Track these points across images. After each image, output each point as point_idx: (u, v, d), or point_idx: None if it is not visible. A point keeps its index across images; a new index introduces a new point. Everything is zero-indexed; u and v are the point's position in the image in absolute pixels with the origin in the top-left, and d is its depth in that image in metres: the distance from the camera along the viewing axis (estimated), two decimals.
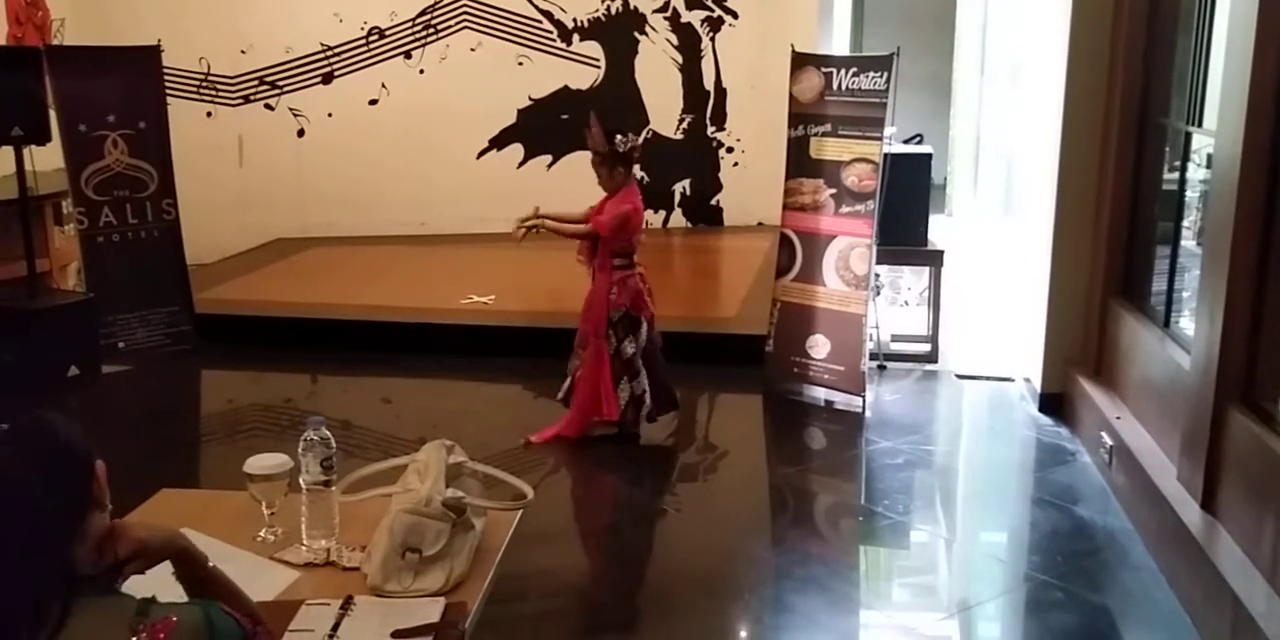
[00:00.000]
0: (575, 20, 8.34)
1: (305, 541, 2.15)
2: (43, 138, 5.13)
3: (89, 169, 5.57)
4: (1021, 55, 6.64)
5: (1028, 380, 5.32)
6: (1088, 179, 4.82)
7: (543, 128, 8.34)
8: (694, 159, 8.64)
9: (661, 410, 4.76)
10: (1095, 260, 4.83)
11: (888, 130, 5.09)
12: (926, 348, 5.81)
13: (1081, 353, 4.91)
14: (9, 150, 5.14)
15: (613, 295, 4.52)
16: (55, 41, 6.67)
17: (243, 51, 7.82)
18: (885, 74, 4.92)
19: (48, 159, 5.43)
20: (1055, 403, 4.99)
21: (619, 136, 4.44)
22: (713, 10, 8.46)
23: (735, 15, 8.47)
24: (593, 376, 4.60)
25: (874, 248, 5.02)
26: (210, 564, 1.61)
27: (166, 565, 1.58)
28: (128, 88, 5.69)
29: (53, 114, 5.30)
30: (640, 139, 4.56)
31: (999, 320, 6.25)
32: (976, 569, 3.87)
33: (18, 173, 5.08)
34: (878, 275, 5.37)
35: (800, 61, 5.21)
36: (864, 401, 5.06)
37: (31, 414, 1.41)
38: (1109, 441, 4.22)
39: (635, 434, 4.68)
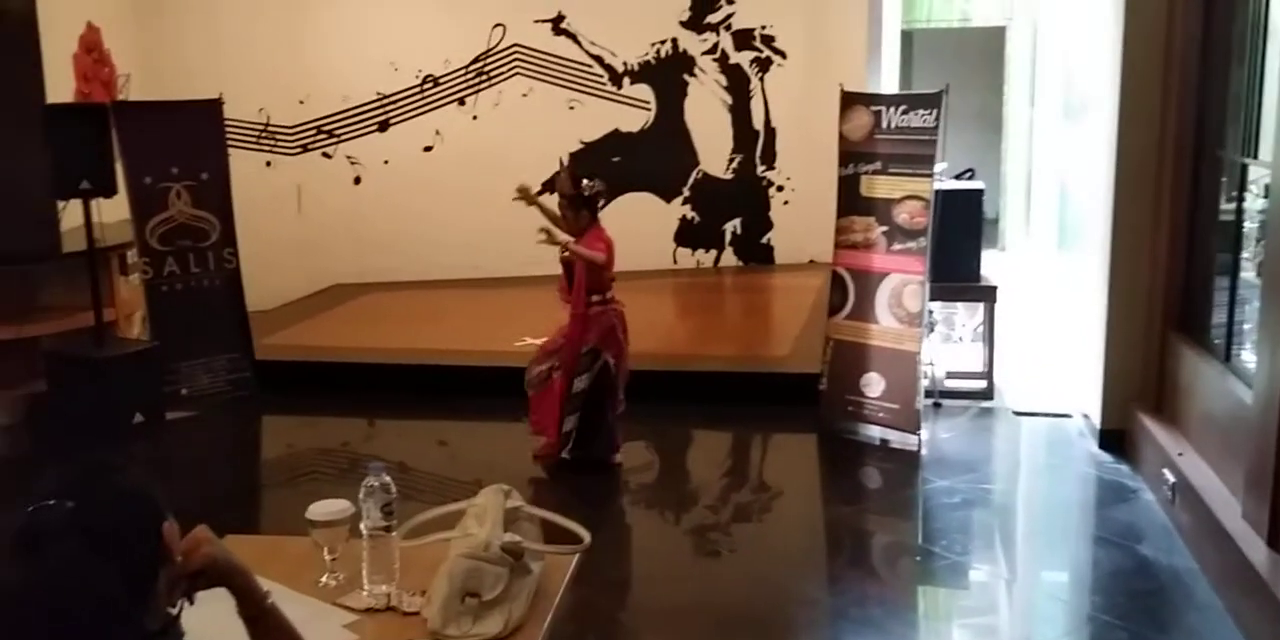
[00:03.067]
0: (625, 64, 8.45)
1: (366, 586, 2.18)
2: (109, 190, 5.28)
3: (153, 220, 5.72)
4: (1073, 87, 6.63)
5: (1086, 416, 5.25)
6: (1143, 211, 4.78)
7: (594, 171, 8.40)
8: (744, 198, 8.67)
9: (585, 451, 4.72)
10: (1153, 294, 4.78)
11: (938, 166, 5.10)
12: (982, 384, 5.76)
13: (1141, 388, 4.84)
14: (77, 203, 5.30)
15: (584, 331, 4.65)
16: (121, 97, 6.87)
17: (301, 101, 8.01)
18: (935, 111, 4.93)
19: (114, 211, 5.57)
20: (1115, 439, 4.92)
21: (585, 181, 4.69)
22: (761, 51, 8.54)
23: (784, 55, 8.54)
24: (544, 401, 4.76)
25: (927, 284, 5.01)
26: (270, 600, 1.64)
27: (231, 606, 1.62)
28: (191, 140, 5.85)
29: (119, 167, 5.45)
30: (602, 186, 4.79)
31: (1055, 356, 6.18)
32: (1038, 609, 3.81)
33: (85, 225, 5.21)
34: (931, 312, 5.35)
35: (849, 100, 5.24)
36: (920, 440, 5.02)
37: (98, 484, 1.42)
38: (1171, 478, 4.15)
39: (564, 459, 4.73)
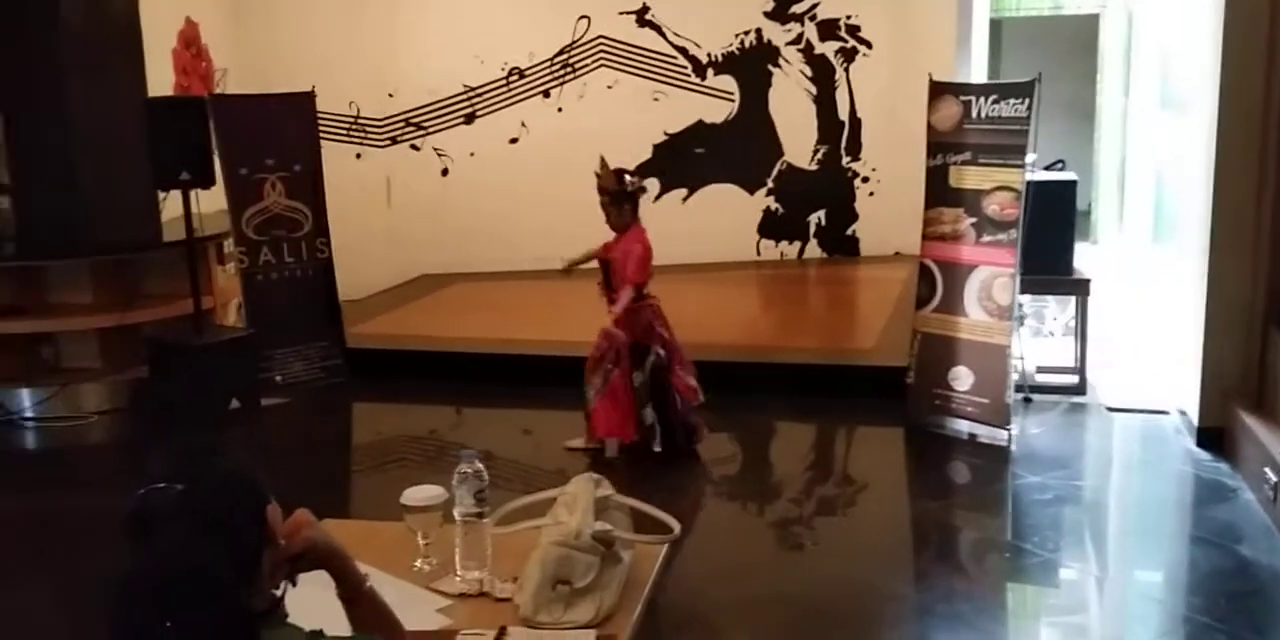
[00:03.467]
0: (710, 55, 8.43)
1: (459, 572, 2.22)
2: (207, 182, 5.41)
3: (249, 210, 5.85)
4: (1171, 76, 6.45)
5: (1183, 413, 5.12)
6: (1244, 201, 4.64)
7: (678, 162, 8.44)
8: (829, 189, 8.60)
9: (669, 445, 4.74)
10: (1254, 287, 4.64)
11: (1029, 157, 5.00)
12: (1074, 379, 5.65)
13: (1241, 384, 4.71)
14: (177, 194, 5.45)
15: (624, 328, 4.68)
16: (218, 90, 7.04)
17: (390, 95, 8.13)
18: (1026, 100, 4.83)
19: (211, 202, 5.72)
20: (1214, 436, 4.79)
21: (627, 177, 4.68)
22: (847, 41, 8.45)
23: (870, 45, 8.44)
24: (613, 401, 4.74)
25: (1017, 277, 4.92)
26: (369, 584, 1.68)
27: (331, 588, 1.66)
28: (285, 132, 5.97)
29: (216, 159, 5.59)
30: (642, 182, 4.80)
31: (1151, 351, 6.04)
32: (1131, 609, 3.74)
33: (185, 215, 5.35)
34: (1021, 305, 5.26)
35: (938, 90, 5.16)
36: (1009, 435, 4.94)
37: (204, 469, 1.47)
38: (1273, 477, 4.03)
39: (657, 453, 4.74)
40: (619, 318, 4.65)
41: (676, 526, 2.31)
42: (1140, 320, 6.57)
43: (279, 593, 1.53)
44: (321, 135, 6.37)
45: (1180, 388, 5.16)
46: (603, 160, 4.76)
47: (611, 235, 4.82)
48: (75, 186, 5.53)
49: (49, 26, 5.48)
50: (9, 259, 5.62)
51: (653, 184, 8.50)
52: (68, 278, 5.84)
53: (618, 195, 4.70)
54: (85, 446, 5.39)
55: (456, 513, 2.22)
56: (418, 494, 2.29)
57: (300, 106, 6.01)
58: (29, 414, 5.52)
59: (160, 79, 6.34)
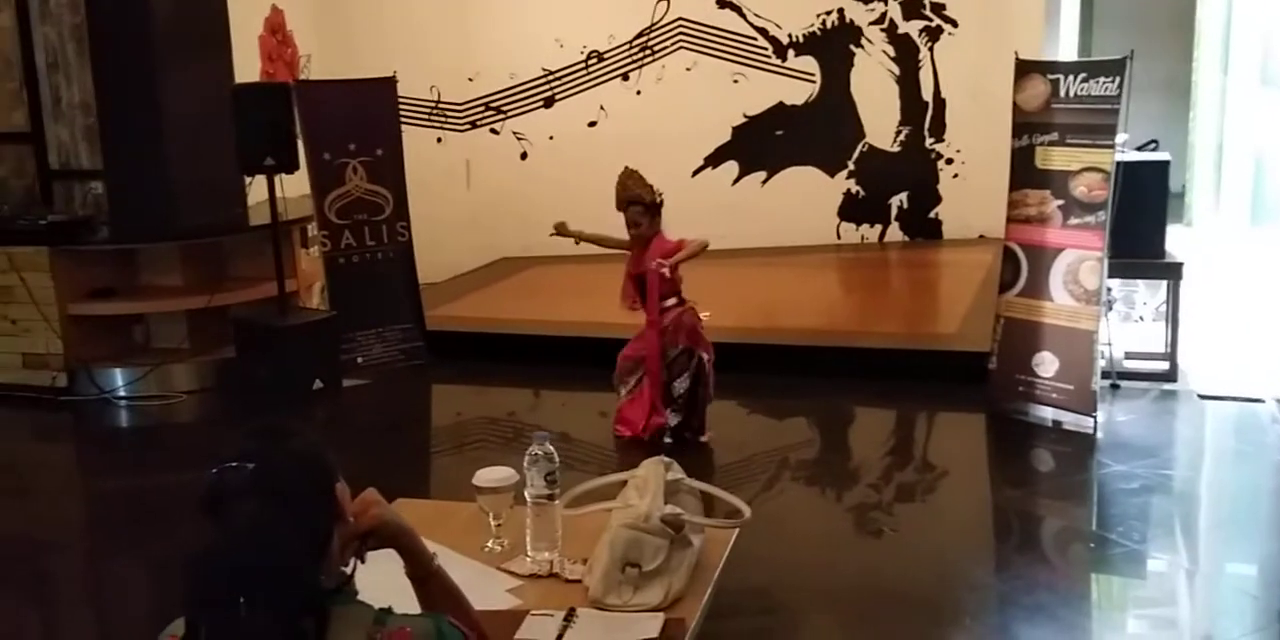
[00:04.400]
0: (790, 36, 8.33)
1: (530, 553, 2.23)
2: (291, 167, 5.49)
3: (332, 195, 5.93)
4: (1272, 54, 6.21)
5: (1279, 401, 4.94)
6: None
7: (757, 144, 8.36)
8: (911, 171, 8.46)
9: (679, 438, 4.74)
10: None
11: (1120, 137, 4.85)
12: (1164, 366, 5.49)
13: None
14: (262, 179, 5.54)
15: (669, 333, 4.69)
16: (302, 76, 7.15)
17: (470, 79, 8.17)
18: (1117, 79, 4.69)
19: (294, 186, 5.81)
20: None
21: (655, 187, 4.68)
22: (931, 20, 8.28)
23: (955, 24, 8.27)
24: (641, 405, 4.74)
25: (1105, 261, 4.78)
26: (436, 563, 1.70)
27: (400, 567, 1.68)
28: (366, 117, 6.04)
29: (300, 143, 5.67)
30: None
31: (1246, 337, 5.84)
32: (1223, 603, 3.62)
33: (269, 199, 5.45)
34: (1110, 289, 5.12)
35: (1025, 68, 5.03)
36: (1095, 422, 4.82)
37: (276, 448, 1.49)
38: None
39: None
40: (654, 321, 4.68)
41: (747, 511, 2.29)
42: (1236, 305, 6.36)
43: (348, 570, 1.55)
44: (402, 120, 6.43)
45: (1276, 374, 4.98)
46: (631, 170, 4.76)
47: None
48: (165, 172, 5.66)
49: (140, 15, 5.60)
50: (102, 242, 5.78)
51: (731, 167, 8.46)
52: (158, 260, 6.00)
53: (652, 206, 4.70)
54: (175, 425, 5.53)
55: (528, 494, 2.22)
56: (489, 475, 2.30)
57: (382, 92, 6.06)
58: (122, 393, 5.67)
59: (247, 65, 6.46)
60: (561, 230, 4.96)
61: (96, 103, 5.77)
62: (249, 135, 5.33)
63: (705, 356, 4.73)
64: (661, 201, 4.72)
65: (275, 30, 7.05)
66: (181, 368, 5.80)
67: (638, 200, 4.70)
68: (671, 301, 4.74)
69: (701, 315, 4.82)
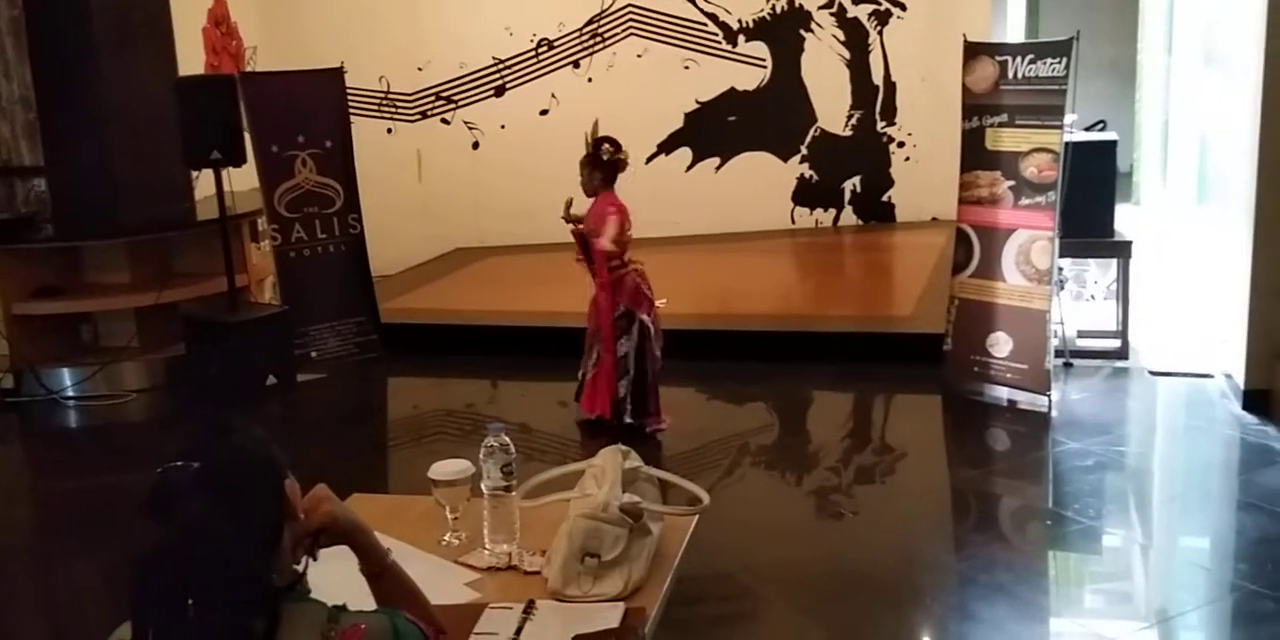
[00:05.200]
0: (740, 21, 8.32)
1: (487, 545, 2.20)
2: (239, 160, 5.41)
3: (281, 188, 5.85)
4: (1215, 33, 6.28)
5: (1229, 376, 5.02)
6: None
7: (710, 131, 8.36)
8: (864, 155, 8.50)
9: (637, 415, 4.72)
10: None
11: (1068, 118, 4.89)
12: (1116, 344, 5.55)
13: None
14: (209, 172, 5.46)
15: (610, 296, 4.70)
16: (248, 68, 7.04)
17: (419, 69, 8.09)
18: (1064, 59, 4.73)
19: (243, 180, 5.73)
20: (1260, 400, 4.69)
21: (606, 144, 4.65)
22: (880, 3, 8.31)
23: (903, 7, 8.30)
24: (605, 379, 4.74)
25: (1056, 240, 4.83)
26: (391, 559, 1.68)
27: (354, 565, 1.66)
28: (315, 109, 5.96)
29: (247, 137, 5.59)
30: (623, 156, 4.71)
31: (1195, 313, 5.92)
32: (1177, 577, 3.68)
33: (217, 194, 5.37)
34: (1061, 269, 5.17)
35: (973, 51, 5.06)
36: (1049, 401, 4.87)
37: (221, 445, 1.46)
38: None
39: (626, 426, 4.69)
40: (604, 284, 4.66)
41: (706, 498, 2.28)
42: (1184, 282, 6.45)
43: (300, 568, 1.53)
44: (352, 111, 6.36)
45: (1225, 350, 5.05)
46: (595, 124, 4.75)
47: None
48: (108, 167, 5.55)
49: (79, 8, 5.48)
50: (46, 240, 5.66)
51: (685, 153, 8.45)
52: (104, 258, 5.89)
53: (591, 159, 4.70)
54: (125, 424, 5.44)
55: (484, 487, 2.20)
56: (445, 468, 2.27)
57: (330, 83, 5.99)
58: (70, 393, 5.58)
59: (190, 58, 6.35)
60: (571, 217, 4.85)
61: (36, 98, 5.64)
62: (194, 129, 5.24)
63: (646, 318, 4.70)
64: (607, 159, 4.68)
65: (219, 22, 6.93)
66: (130, 366, 5.71)
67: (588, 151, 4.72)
68: (615, 263, 4.71)
69: (657, 303, 4.80)
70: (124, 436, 5.31)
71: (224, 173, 5.37)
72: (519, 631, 1.90)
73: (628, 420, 4.71)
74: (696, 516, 2.29)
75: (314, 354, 5.91)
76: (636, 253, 4.85)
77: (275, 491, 1.48)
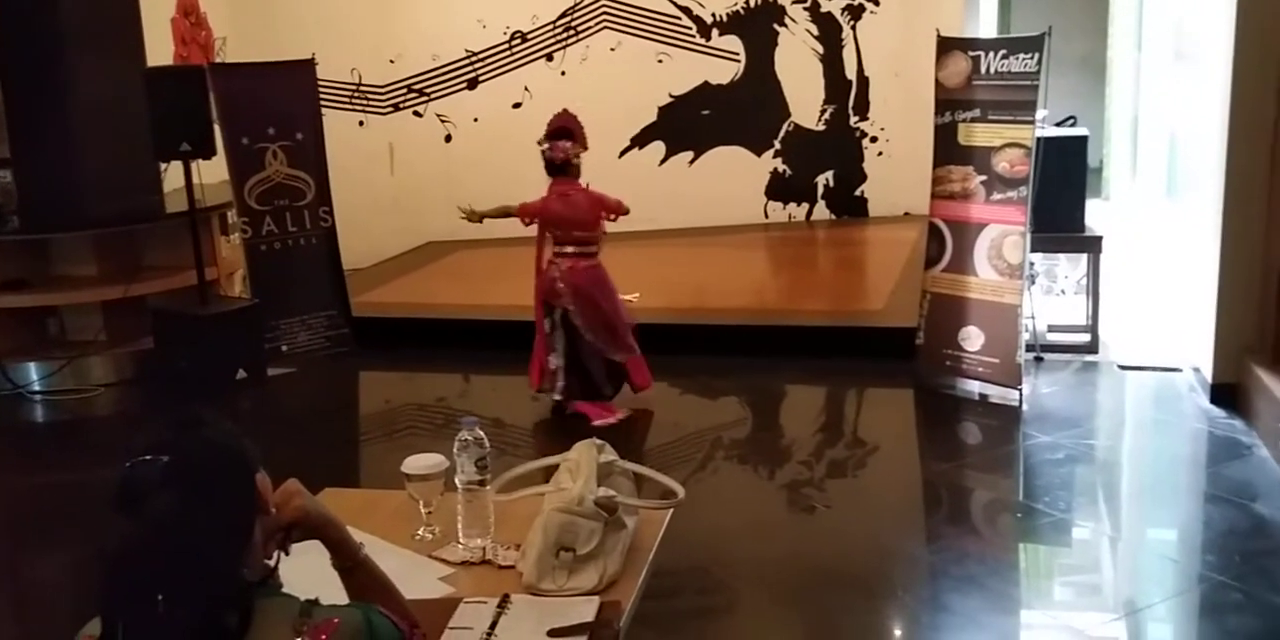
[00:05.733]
0: (714, 15, 8.31)
1: (462, 540, 2.19)
2: (209, 152, 5.36)
3: (251, 180, 5.80)
4: (1185, 29, 6.34)
5: (1197, 370, 5.07)
6: (1259, 155, 4.56)
7: (683, 125, 8.35)
8: (837, 150, 8.52)
9: (589, 397, 4.85)
10: (1269, 241, 4.57)
11: (1040, 113, 4.92)
12: (1086, 338, 5.59)
13: (1257, 340, 4.66)
14: (178, 165, 5.40)
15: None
16: (218, 59, 6.96)
17: (391, 61, 8.04)
18: (1036, 55, 4.75)
19: (213, 172, 5.68)
20: (1228, 393, 4.74)
21: (543, 142, 4.76)
22: None
23: (877, 2, 8.32)
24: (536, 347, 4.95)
25: (1028, 235, 4.86)
26: (363, 554, 1.67)
27: (326, 559, 1.64)
28: (286, 101, 5.91)
29: (217, 129, 5.53)
30: (558, 156, 4.77)
31: (1164, 308, 5.98)
32: (1146, 569, 3.71)
33: (186, 186, 5.31)
34: (1032, 264, 5.20)
35: (946, 46, 5.07)
36: (1020, 395, 4.90)
37: (190, 439, 1.44)
38: None
39: (560, 404, 4.85)
40: (537, 267, 4.88)
41: (681, 492, 2.28)
42: (1154, 277, 6.51)
43: (272, 562, 1.51)
44: (323, 103, 6.30)
45: (1193, 344, 5.10)
46: (567, 114, 4.84)
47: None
48: (76, 159, 5.49)
49: None
50: (12, 233, 5.59)
51: (658, 147, 8.44)
52: (71, 250, 5.82)
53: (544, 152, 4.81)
54: (93, 419, 5.39)
55: (458, 481, 2.19)
56: (418, 462, 2.25)
57: (301, 74, 5.93)
58: (37, 387, 5.51)
59: (159, 48, 6.27)
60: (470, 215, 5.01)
61: (2, 89, 5.55)
62: (163, 120, 5.19)
63: (567, 310, 4.78)
64: (546, 156, 4.78)
65: (188, 12, 6.86)
66: (98, 360, 5.65)
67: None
68: (555, 251, 4.86)
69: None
70: (92, 431, 5.26)
71: (193, 165, 5.32)
72: (493, 626, 1.89)
73: (555, 397, 4.82)
74: (671, 510, 2.29)
75: (284, 348, 5.86)
76: (607, 247, 4.85)
77: (246, 486, 1.47)
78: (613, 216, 4.89)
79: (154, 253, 5.96)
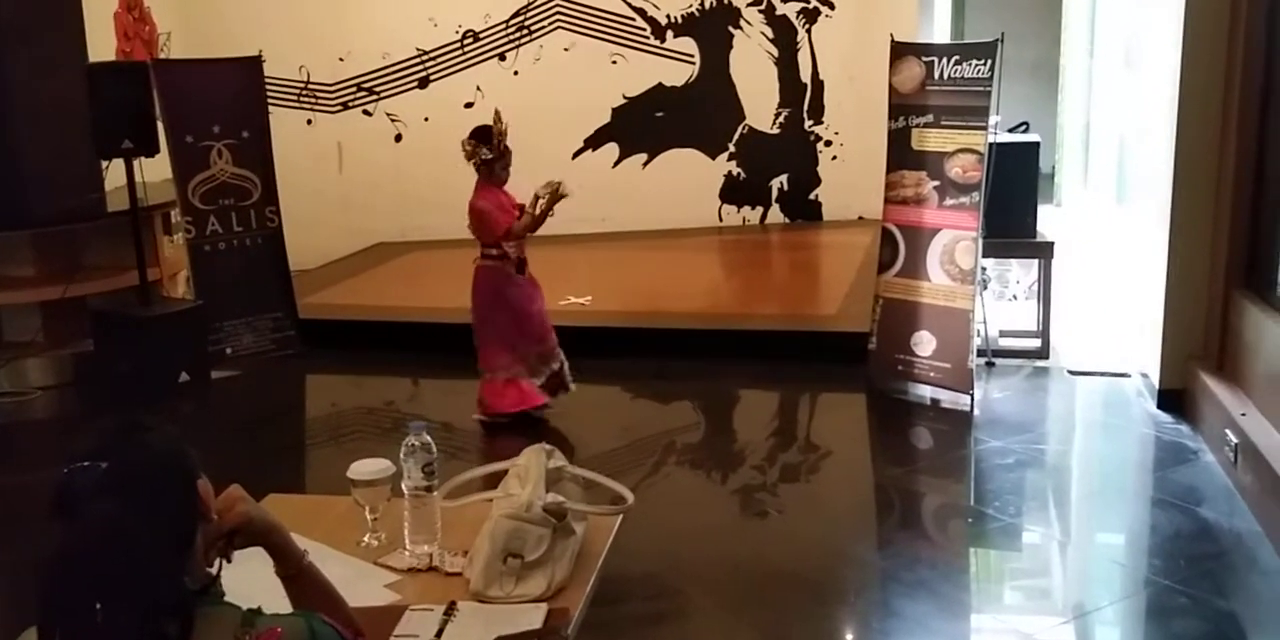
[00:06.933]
0: (669, 17, 8.30)
1: (408, 546, 2.15)
2: (151, 150, 5.27)
3: (195, 179, 5.69)
4: (1134, 36, 6.41)
5: (1145, 376, 5.11)
6: (1207, 163, 4.61)
7: (637, 126, 8.33)
8: (791, 153, 8.54)
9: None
10: (1216, 249, 4.62)
11: (992, 119, 4.95)
12: (1037, 343, 5.63)
13: (1203, 347, 4.70)
14: (120, 162, 5.29)
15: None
16: (162, 55, 6.85)
17: (341, 59, 7.95)
18: (989, 61, 4.77)
19: (156, 170, 5.56)
20: (1175, 399, 4.79)
21: (479, 144, 4.95)
22: (808, 2, 8.35)
23: (832, 6, 8.35)
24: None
25: (980, 240, 4.88)
26: (307, 560, 1.64)
27: (269, 567, 1.59)
28: (231, 98, 5.81)
29: (160, 126, 5.43)
30: (485, 155, 5.00)
31: (1113, 314, 6.04)
32: (1093, 573, 3.73)
33: (128, 184, 5.21)
34: (984, 269, 5.22)
35: (900, 51, 5.09)
36: (972, 399, 4.92)
37: (131, 444, 1.41)
38: (1234, 439, 4.02)
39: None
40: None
41: (630, 497, 2.24)
42: (1103, 283, 6.57)
43: (214, 570, 1.49)
44: (270, 101, 6.22)
45: (1142, 350, 5.15)
46: (498, 114, 5.02)
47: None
48: (14, 156, 5.35)
49: None
50: None
51: (611, 149, 8.41)
52: (8, 250, 5.68)
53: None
54: (30, 422, 5.25)
55: (405, 486, 2.14)
56: (364, 468, 2.21)
57: (247, 71, 5.84)
58: None
59: (102, 44, 6.16)
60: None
61: None
62: (105, 117, 5.09)
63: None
64: (472, 158, 4.96)
65: (131, 7, 6.74)
66: (36, 362, 5.51)
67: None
68: (484, 252, 5.01)
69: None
70: (29, 436, 5.12)
71: (136, 163, 5.23)
72: (440, 633, 1.85)
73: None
74: (621, 516, 2.26)
75: (229, 350, 5.76)
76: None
77: (187, 492, 1.44)
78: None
79: (94, 252, 5.83)
